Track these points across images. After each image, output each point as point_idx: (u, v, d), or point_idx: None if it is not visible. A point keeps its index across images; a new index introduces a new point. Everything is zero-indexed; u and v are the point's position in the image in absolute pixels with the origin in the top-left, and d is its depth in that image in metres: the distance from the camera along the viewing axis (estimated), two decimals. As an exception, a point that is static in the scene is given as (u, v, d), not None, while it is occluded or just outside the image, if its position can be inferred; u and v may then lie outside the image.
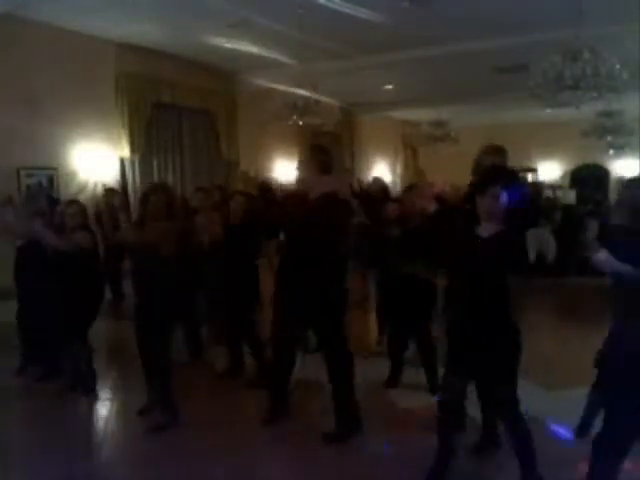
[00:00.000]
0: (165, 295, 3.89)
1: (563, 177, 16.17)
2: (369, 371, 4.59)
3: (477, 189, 3.00)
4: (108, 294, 6.46)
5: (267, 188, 5.39)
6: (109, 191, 7.01)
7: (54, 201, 5.62)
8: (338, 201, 3.72)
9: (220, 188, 6.20)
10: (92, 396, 4.53)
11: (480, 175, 3.27)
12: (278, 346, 3.83)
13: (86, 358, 4.56)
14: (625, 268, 2.43)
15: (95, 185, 7.85)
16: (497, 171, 3.24)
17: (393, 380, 4.64)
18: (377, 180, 6.53)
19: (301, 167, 3.90)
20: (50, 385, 4.65)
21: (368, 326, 6.25)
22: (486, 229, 2.94)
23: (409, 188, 4.85)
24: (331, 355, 3.68)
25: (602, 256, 2.48)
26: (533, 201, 3.81)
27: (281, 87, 7.84)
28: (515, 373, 2.90)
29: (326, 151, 3.96)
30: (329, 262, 3.64)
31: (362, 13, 6.96)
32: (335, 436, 3.65)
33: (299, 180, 3.91)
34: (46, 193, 6.35)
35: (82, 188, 7.22)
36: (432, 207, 3.66)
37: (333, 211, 3.60)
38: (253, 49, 8.44)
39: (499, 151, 3.56)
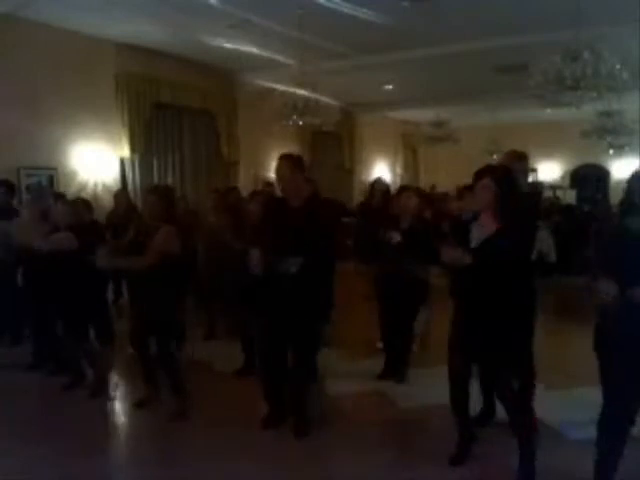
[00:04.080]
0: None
1: (563, 177, 16.16)
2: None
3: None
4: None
5: None
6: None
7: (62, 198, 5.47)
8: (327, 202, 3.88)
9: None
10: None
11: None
12: None
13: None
14: None
15: (95, 185, 7.87)
16: (488, 167, 3.30)
17: (387, 372, 4.86)
18: (380, 181, 6.73)
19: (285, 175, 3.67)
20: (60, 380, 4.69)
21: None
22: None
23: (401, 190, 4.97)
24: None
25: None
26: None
27: (281, 87, 7.85)
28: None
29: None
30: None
31: (362, 13, 6.96)
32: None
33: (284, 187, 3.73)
34: (52, 191, 6.18)
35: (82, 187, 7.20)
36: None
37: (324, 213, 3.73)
38: (253, 49, 8.44)
39: (520, 157, 3.82)
